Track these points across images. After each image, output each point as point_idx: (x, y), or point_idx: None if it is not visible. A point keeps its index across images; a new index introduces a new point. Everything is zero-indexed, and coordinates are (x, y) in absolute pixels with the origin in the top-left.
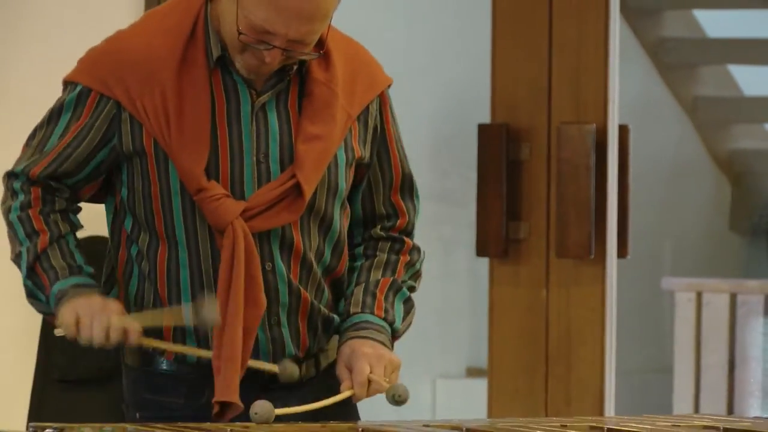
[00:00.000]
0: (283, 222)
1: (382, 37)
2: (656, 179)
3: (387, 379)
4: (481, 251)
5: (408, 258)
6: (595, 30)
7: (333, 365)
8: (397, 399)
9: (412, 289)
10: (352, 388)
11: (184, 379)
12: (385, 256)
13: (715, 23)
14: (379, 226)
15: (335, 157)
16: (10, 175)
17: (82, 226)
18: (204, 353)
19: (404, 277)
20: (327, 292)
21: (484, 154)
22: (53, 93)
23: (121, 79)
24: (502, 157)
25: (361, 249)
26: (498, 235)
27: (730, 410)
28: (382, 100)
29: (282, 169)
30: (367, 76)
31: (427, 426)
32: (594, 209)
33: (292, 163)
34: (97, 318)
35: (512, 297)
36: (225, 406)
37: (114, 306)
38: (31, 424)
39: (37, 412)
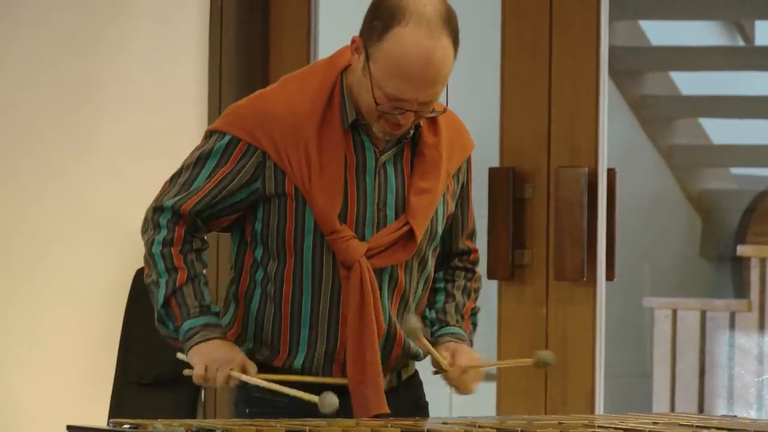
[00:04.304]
0: (398, 260)
1: None
2: (639, 214)
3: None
4: (491, 274)
5: (477, 285)
6: (588, 88)
7: (413, 377)
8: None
9: (477, 311)
10: (451, 366)
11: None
12: (463, 282)
13: (688, 83)
14: (456, 259)
15: (436, 208)
16: (157, 209)
17: (208, 264)
18: (308, 397)
19: (476, 303)
20: None
21: (493, 193)
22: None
23: (269, 132)
24: (509, 195)
25: (441, 274)
26: (505, 260)
27: (701, 410)
28: (468, 161)
29: (396, 216)
30: (461, 141)
31: (446, 423)
32: (586, 239)
33: (405, 212)
34: (221, 370)
35: (517, 313)
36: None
37: (236, 357)
38: (111, 420)
39: (116, 409)
